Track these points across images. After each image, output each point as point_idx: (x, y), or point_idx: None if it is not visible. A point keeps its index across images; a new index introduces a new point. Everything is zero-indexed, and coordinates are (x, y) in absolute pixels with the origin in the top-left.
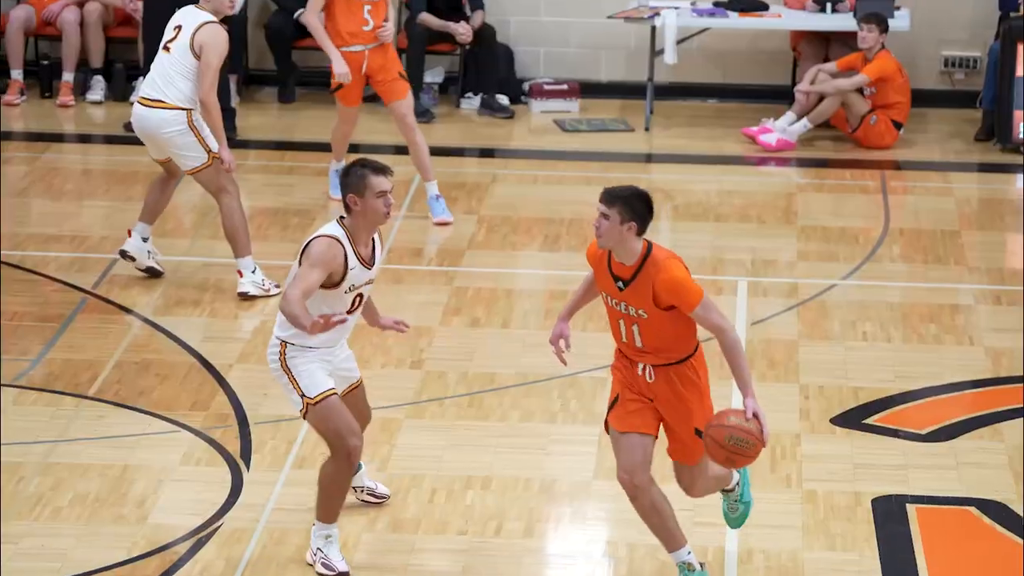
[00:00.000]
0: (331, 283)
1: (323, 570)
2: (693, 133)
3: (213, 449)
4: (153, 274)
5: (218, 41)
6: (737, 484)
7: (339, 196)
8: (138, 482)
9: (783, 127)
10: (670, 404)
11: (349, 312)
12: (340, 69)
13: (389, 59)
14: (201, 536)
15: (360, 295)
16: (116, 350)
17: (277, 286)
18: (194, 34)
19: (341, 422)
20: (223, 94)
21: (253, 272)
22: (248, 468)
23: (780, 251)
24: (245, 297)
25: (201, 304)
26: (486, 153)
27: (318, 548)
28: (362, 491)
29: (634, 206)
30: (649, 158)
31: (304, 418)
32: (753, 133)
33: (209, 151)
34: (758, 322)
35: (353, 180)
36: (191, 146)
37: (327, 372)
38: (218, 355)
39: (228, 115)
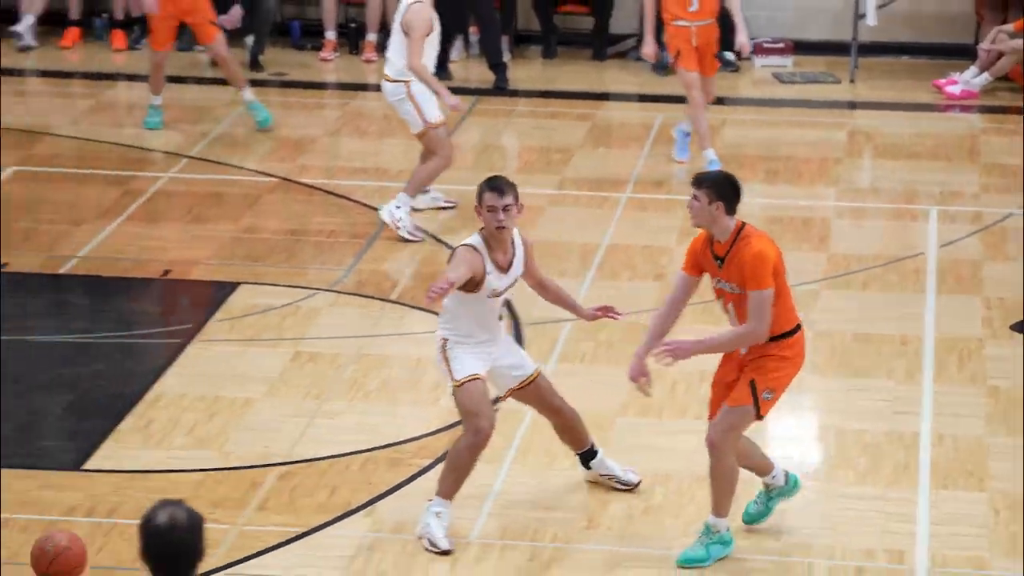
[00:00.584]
0: (472, 286)
1: (428, 545)
2: (890, 85)
3: None
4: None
5: (419, 19)
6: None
7: (682, 158)
8: (431, 372)
9: (967, 80)
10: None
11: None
12: (647, 50)
13: (712, 39)
14: None
15: (506, 301)
16: (412, 263)
17: (417, 231)
18: (403, 15)
19: (476, 403)
20: (495, 51)
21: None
22: None
23: (965, 184)
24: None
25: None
26: (717, 101)
27: (427, 523)
28: (610, 479)
29: (720, 187)
30: (853, 105)
31: (453, 397)
32: (941, 84)
33: (426, 121)
34: (947, 244)
35: (477, 194)
36: (410, 114)
37: (481, 360)
38: None
39: (500, 68)
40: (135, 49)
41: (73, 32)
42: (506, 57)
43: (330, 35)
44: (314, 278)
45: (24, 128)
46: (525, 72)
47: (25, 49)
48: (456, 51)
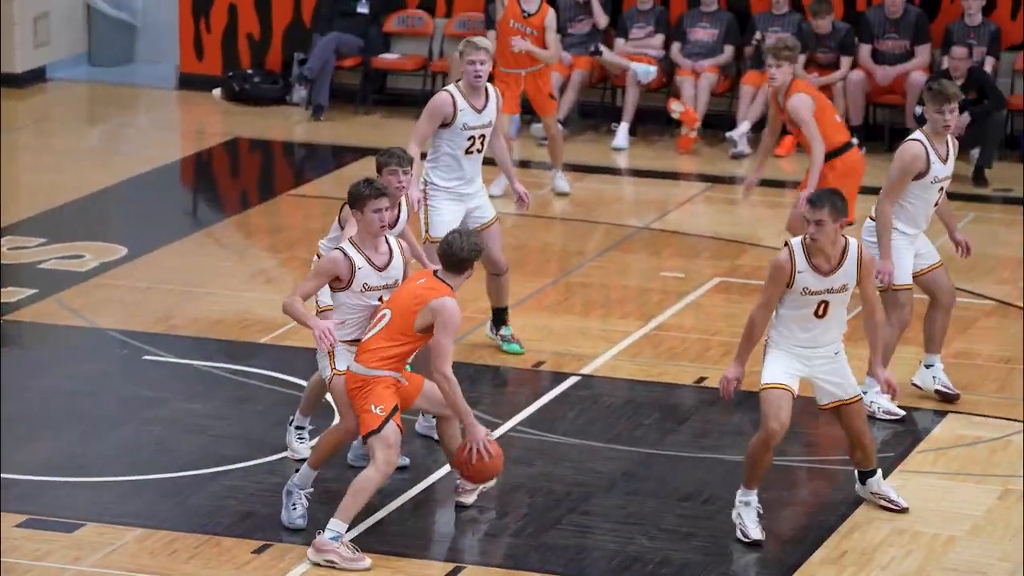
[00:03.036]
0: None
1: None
2: None
3: None
4: None
5: None
6: None
7: None
8: None
9: None
10: None
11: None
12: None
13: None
14: None
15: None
16: None
17: None
18: None
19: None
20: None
21: None
22: None
23: None
24: None
25: None
26: None
27: (738, 513)
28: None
29: None
30: None
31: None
32: None
33: None
34: None
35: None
36: None
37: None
38: None
39: None
40: None
41: (788, 141)
42: None
43: None
44: None
45: (730, 238)
46: None
47: (737, 156)
48: None
